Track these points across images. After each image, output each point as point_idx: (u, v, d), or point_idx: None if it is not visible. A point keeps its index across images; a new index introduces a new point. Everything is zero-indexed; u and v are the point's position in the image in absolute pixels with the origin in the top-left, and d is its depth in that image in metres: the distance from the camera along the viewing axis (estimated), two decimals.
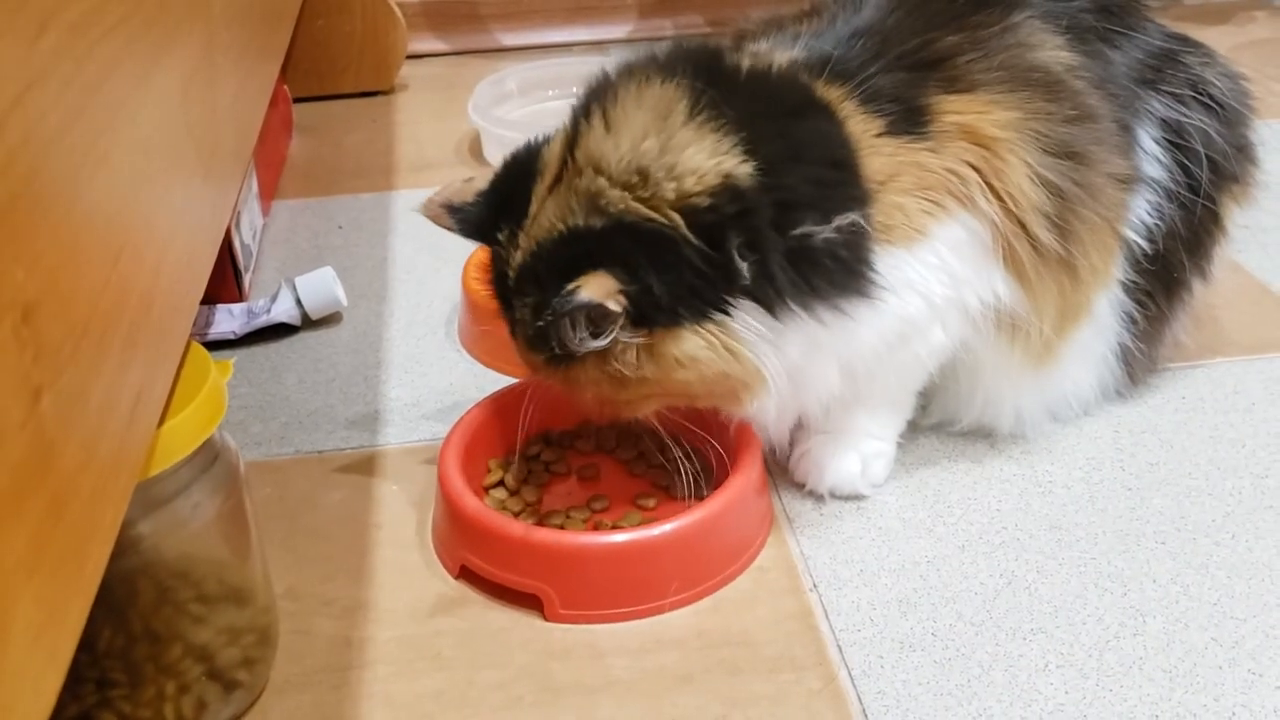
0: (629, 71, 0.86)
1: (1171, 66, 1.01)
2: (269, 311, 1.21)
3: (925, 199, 0.87)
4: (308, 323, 1.23)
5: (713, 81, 0.83)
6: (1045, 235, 0.89)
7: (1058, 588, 0.87)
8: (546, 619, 0.85)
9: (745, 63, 0.88)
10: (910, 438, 1.02)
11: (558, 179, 0.83)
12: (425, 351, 1.19)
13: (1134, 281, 0.99)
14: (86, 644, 0.73)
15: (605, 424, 1.01)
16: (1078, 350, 0.99)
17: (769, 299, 0.81)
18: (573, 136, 0.84)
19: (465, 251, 1.19)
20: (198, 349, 0.75)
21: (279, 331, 1.22)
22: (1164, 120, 0.99)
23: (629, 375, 0.81)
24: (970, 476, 0.99)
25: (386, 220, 1.45)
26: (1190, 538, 0.91)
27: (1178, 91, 1.00)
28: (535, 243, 0.81)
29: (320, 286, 1.21)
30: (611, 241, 0.78)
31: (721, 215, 0.79)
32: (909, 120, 0.88)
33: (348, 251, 1.37)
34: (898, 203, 0.86)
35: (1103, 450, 1.02)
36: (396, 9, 1.81)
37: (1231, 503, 0.95)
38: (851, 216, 0.82)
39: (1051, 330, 0.94)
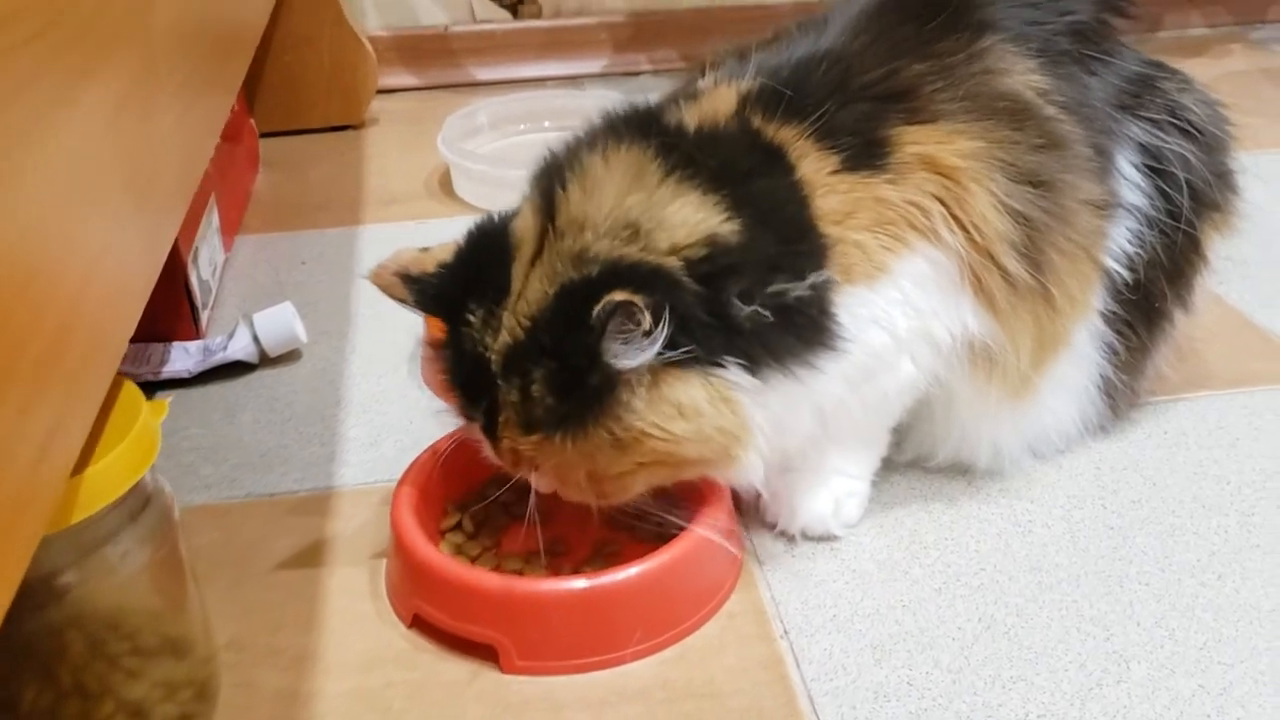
0: (583, 143, 0.85)
1: (1149, 92, 0.99)
2: (225, 349, 1.17)
3: (884, 234, 0.84)
4: (266, 360, 1.19)
5: (668, 142, 0.82)
6: (1014, 265, 0.86)
7: (1038, 632, 0.83)
8: (503, 671, 0.81)
9: (689, 119, 0.85)
10: (884, 475, 0.98)
11: (538, 252, 0.79)
12: (386, 389, 1.15)
13: (1114, 312, 0.96)
14: (8, 704, 0.68)
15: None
16: (1057, 382, 0.96)
17: (754, 355, 0.78)
18: (548, 207, 0.81)
19: None
20: (130, 388, 0.71)
21: (236, 370, 1.18)
22: (1143, 146, 0.96)
23: (629, 432, 0.77)
24: (947, 515, 0.95)
25: (352, 256, 1.41)
26: (1175, 579, 0.88)
27: (1156, 117, 0.97)
28: (528, 318, 0.77)
29: (278, 323, 1.18)
30: (614, 282, 0.74)
31: (717, 266, 0.77)
32: (867, 154, 0.84)
33: (311, 287, 1.34)
34: (856, 240, 0.83)
35: (1084, 487, 0.98)
36: (366, 42, 1.78)
37: (1217, 542, 0.91)
38: (824, 275, 0.81)
39: (1028, 363, 0.90)
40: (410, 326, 1.23)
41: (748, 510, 0.95)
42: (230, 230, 1.43)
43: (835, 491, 0.93)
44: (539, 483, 0.82)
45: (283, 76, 1.75)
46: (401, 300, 0.83)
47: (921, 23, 0.91)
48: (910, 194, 0.84)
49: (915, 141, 0.85)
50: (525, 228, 0.82)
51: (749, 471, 0.82)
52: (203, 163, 0.92)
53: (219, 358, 1.17)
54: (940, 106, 0.86)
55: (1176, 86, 1.00)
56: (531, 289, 0.78)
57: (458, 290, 0.81)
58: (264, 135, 1.71)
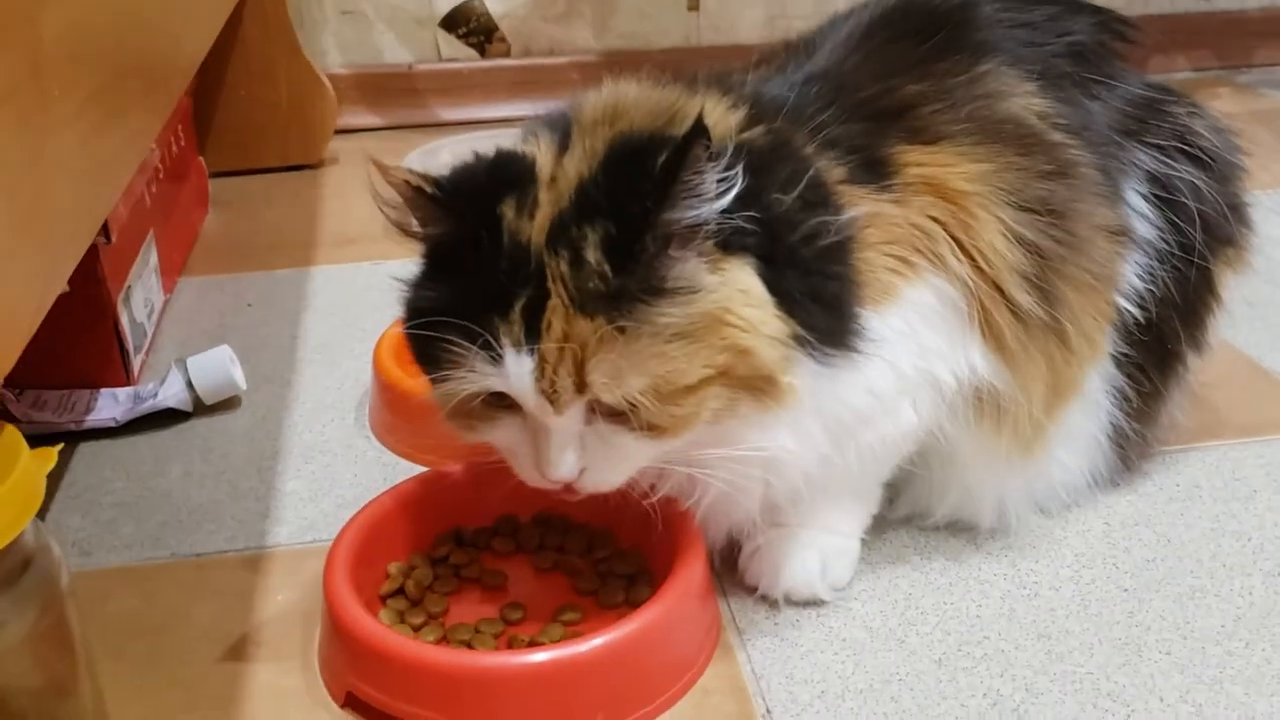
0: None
1: (1156, 117, 0.91)
2: (156, 396, 1.07)
3: (892, 255, 0.77)
4: (201, 408, 1.09)
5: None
6: (1025, 298, 0.79)
7: (1050, 709, 0.74)
8: None
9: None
10: (876, 533, 0.89)
11: (564, 147, 0.71)
12: (330, 439, 1.05)
13: (1125, 354, 0.88)
14: None
15: (530, 520, 0.88)
16: (1067, 433, 0.88)
17: (789, 285, 0.71)
18: (565, 118, 0.74)
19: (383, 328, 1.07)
20: (11, 433, 0.61)
21: (168, 418, 1.08)
22: (1151, 174, 0.89)
23: (703, 310, 0.67)
24: (946, 577, 0.86)
25: (301, 297, 1.32)
26: (1198, 646, 0.79)
27: (1164, 144, 0.90)
28: (572, 188, 0.68)
29: (214, 367, 1.08)
30: (676, 136, 0.67)
31: (754, 157, 0.70)
32: (871, 170, 0.77)
33: (254, 331, 1.24)
34: (864, 258, 0.75)
35: (1093, 545, 0.89)
36: (324, 78, 1.71)
37: (1242, 605, 0.83)
38: (857, 211, 0.74)
39: (1041, 411, 0.82)
40: (360, 374, 1.13)
41: (725, 571, 0.86)
42: (172, 272, 1.34)
43: (823, 550, 0.84)
44: (563, 434, 0.69)
45: (237, 113, 1.66)
46: (418, 192, 0.69)
47: (916, 42, 0.85)
48: (914, 216, 0.77)
49: (918, 163, 0.78)
50: (538, 142, 0.73)
51: (786, 430, 0.73)
52: (112, 192, 0.83)
53: (149, 405, 1.07)
54: (942, 128, 0.80)
55: (1185, 111, 0.93)
56: (567, 169, 0.70)
57: (486, 188, 0.70)
58: (216, 175, 1.63)
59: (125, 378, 1.12)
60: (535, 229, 0.68)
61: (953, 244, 0.78)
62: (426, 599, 0.81)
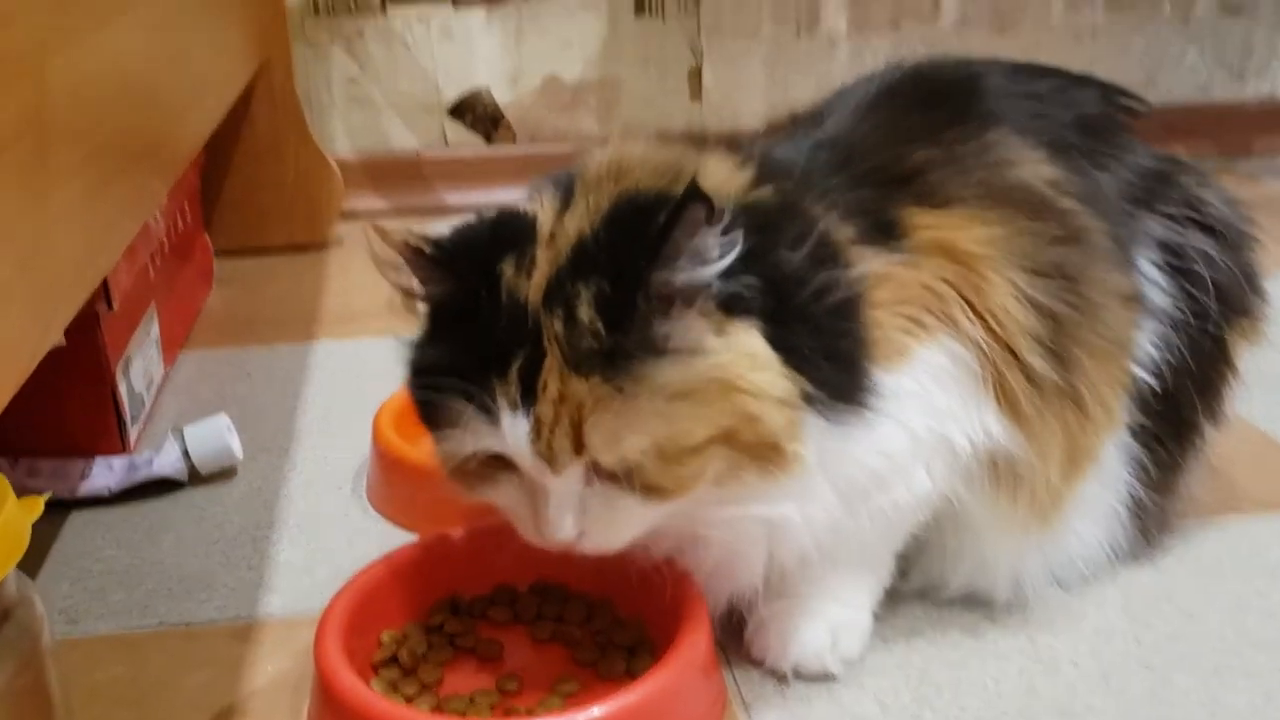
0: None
1: (1165, 186, 0.91)
2: (151, 464, 1.05)
3: (904, 316, 0.75)
4: (196, 478, 1.07)
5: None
6: (1039, 362, 0.77)
7: None
8: None
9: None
10: (890, 605, 0.86)
11: (566, 204, 0.71)
12: (326, 510, 1.03)
13: (1142, 424, 0.86)
14: None
15: (527, 589, 0.85)
16: (1084, 503, 0.85)
17: (799, 347, 0.69)
18: (566, 179, 0.73)
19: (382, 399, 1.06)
20: None
21: (162, 488, 1.06)
22: (1162, 243, 0.88)
23: (707, 373, 0.66)
24: (960, 651, 0.83)
25: (302, 371, 1.31)
26: None
27: (1174, 212, 0.89)
28: (570, 245, 0.68)
29: (211, 437, 1.06)
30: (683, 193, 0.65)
31: (758, 217, 0.70)
32: (881, 232, 0.77)
33: (253, 401, 1.23)
34: (874, 317, 0.74)
35: (1112, 620, 0.86)
36: (331, 159, 1.72)
37: (1272, 683, 0.79)
38: (867, 270, 0.73)
39: (1058, 478, 0.80)
40: (358, 445, 1.11)
41: (729, 642, 0.83)
42: (173, 346, 1.33)
43: (832, 622, 0.81)
44: (562, 495, 0.68)
45: (243, 192, 1.67)
46: (417, 255, 0.69)
47: (925, 110, 0.85)
48: (926, 278, 0.76)
49: (929, 225, 0.77)
50: (541, 201, 0.72)
51: (791, 509, 0.72)
52: (113, 250, 0.83)
53: (143, 474, 1.05)
54: (952, 191, 0.79)
55: (1195, 181, 0.92)
56: (567, 227, 0.69)
57: (485, 247, 0.70)
58: (221, 254, 1.63)
59: (121, 447, 1.10)
60: (532, 287, 0.67)
61: (965, 306, 0.76)
62: (420, 668, 0.78)
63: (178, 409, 1.23)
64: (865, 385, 0.72)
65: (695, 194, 0.63)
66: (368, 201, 1.89)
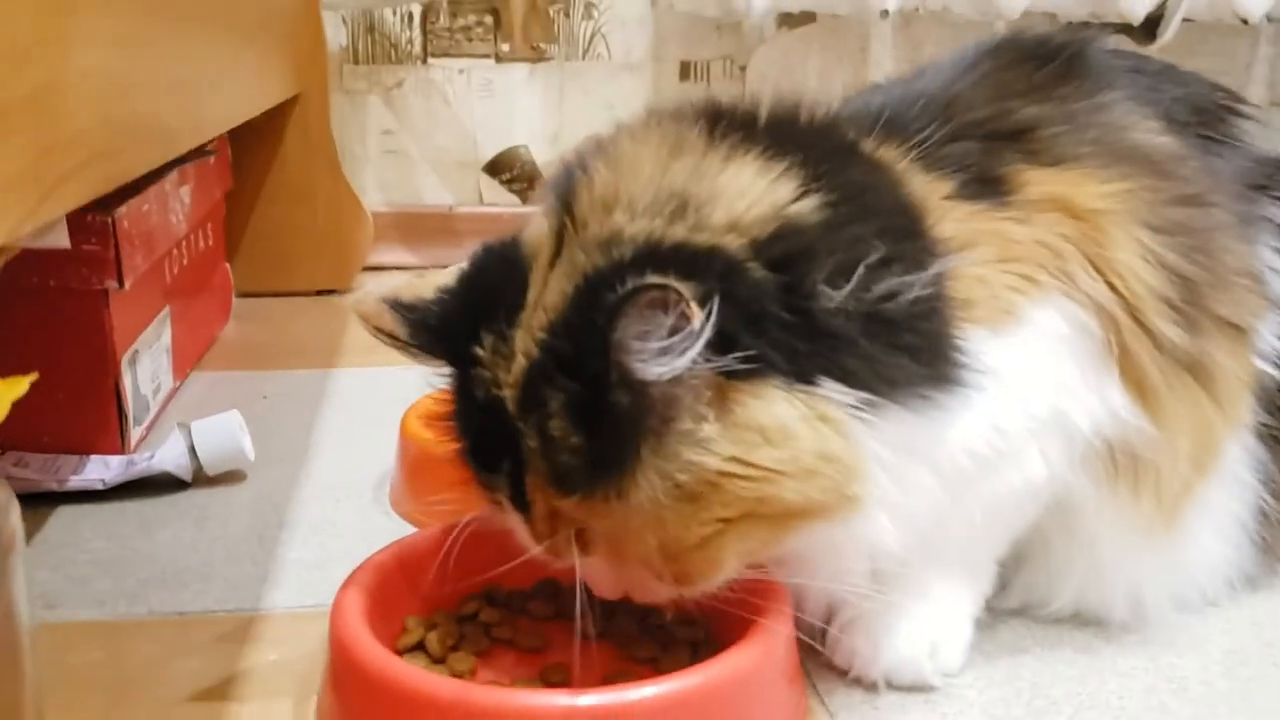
0: (606, 136, 0.67)
1: None
2: (152, 459, 0.95)
3: (1013, 273, 0.66)
4: (201, 479, 0.97)
5: (714, 113, 0.65)
6: (1170, 328, 0.68)
7: None
8: None
9: (764, 110, 0.68)
10: (985, 622, 0.75)
11: (557, 251, 0.61)
12: (343, 514, 0.92)
13: (1265, 424, 0.76)
14: None
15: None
16: (1208, 511, 0.75)
17: (853, 371, 0.59)
18: (565, 200, 0.63)
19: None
20: None
21: (163, 486, 0.96)
22: None
23: (702, 473, 0.56)
24: (1075, 668, 0.72)
25: (321, 395, 1.21)
26: None
27: None
28: (544, 330, 0.58)
29: (221, 434, 0.96)
30: (647, 266, 0.56)
31: (794, 246, 0.59)
32: (985, 188, 0.68)
33: (269, 419, 1.13)
34: (978, 275, 0.65)
35: (1244, 643, 0.75)
36: (363, 202, 1.65)
37: None
38: (948, 263, 0.63)
39: (1188, 467, 0.70)
40: (381, 455, 1.01)
41: (805, 652, 0.71)
42: (186, 363, 1.24)
43: (931, 627, 0.70)
44: (593, 570, 0.61)
45: (269, 231, 1.59)
46: (389, 336, 0.64)
47: (1033, 68, 0.77)
48: (1041, 233, 0.67)
49: (1042, 182, 0.69)
50: (539, 233, 0.64)
51: (875, 527, 0.61)
52: None
53: (142, 468, 0.95)
54: (1065, 150, 0.71)
55: None
56: (550, 295, 0.59)
57: (464, 318, 0.62)
58: (242, 295, 1.55)
59: (120, 446, 1.00)
60: (509, 382, 0.59)
61: (1085, 263, 0.68)
62: (451, 658, 0.67)
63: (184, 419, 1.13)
64: (958, 361, 0.62)
65: (637, 288, 0.53)
66: (397, 255, 1.81)
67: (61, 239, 0.68)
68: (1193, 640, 0.75)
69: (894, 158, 0.68)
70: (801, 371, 0.57)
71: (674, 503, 0.56)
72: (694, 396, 0.56)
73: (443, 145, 1.83)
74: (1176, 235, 0.69)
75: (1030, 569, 0.76)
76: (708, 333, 0.54)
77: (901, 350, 0.59)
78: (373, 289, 0.66)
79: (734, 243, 0.58)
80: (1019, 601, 0.77)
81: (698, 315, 0.54)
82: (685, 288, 0.54)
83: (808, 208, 0.60)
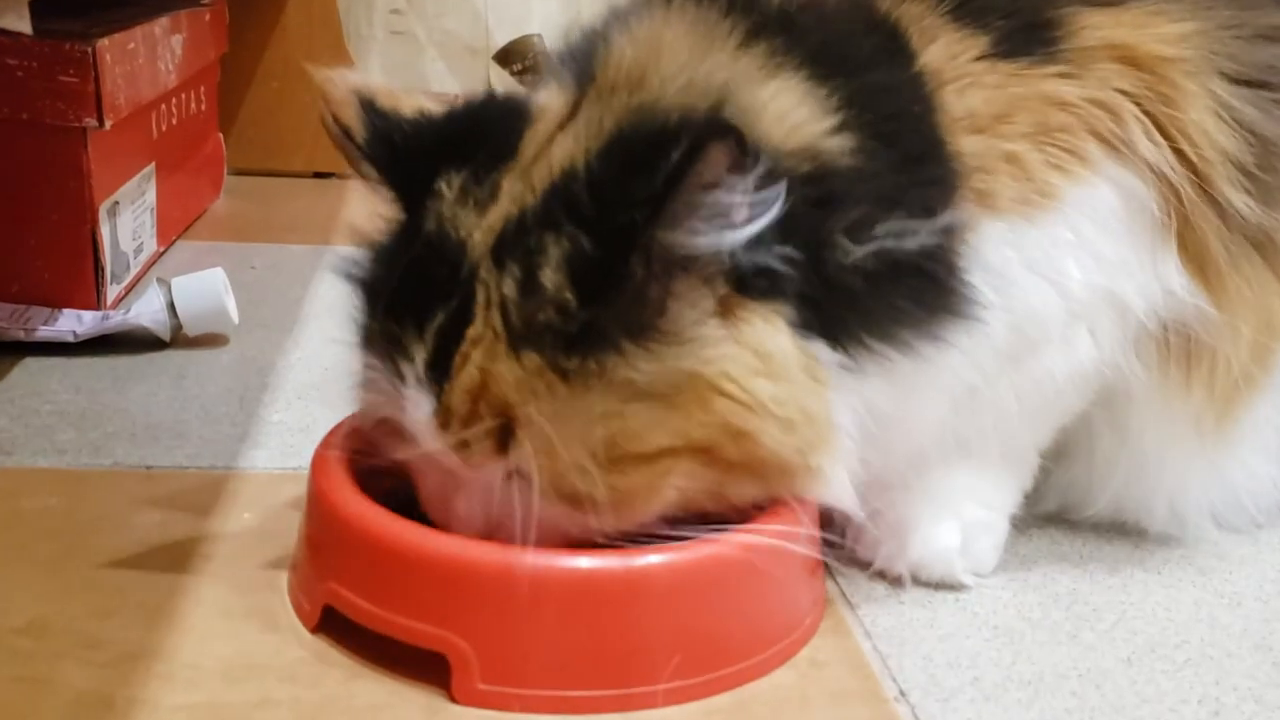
0: (627, 12, 0.59)
1: None
2: (127, 313, 0.89)
3: (1054, 146, 0.60)
4: (181, 339, 0.90)
5: (759, 13, 0.57)
6: (1241, 199, 0.61)
7: None
8: (455, 699, 0.50)
9: None
10: (1018, 530, 0.69)
11: (571, 115, 0.54)
12: (332, 381, 0.86)
13: None
14: None
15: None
16: (1256, 428, 0.69)
17: (843, 325, 0.53)
18: (583, 71, 0.56)
19: None
20: None
21: (140, 345, 0.89)
22: None
23: (691, 371, 0.50)
24: (1117, 576, 0.66)
25: (314, 269, 1.14)
26: None
27: None
28: (549, 180, 0.51)
29: (203, 292, 0.90)
30: (711, 125, 0.48)
31: (822, 190, 0.52)
32: (1029, 37, 0.61)
33: (257, 288, 1.06)
34: (1009, 152, 0.59)
35: None
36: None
37: None
38: (959, 215, 0.56)
39: (1248, 356, 0.64)
40: None
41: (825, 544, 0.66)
42: (171, 229, 1.17)
43: (965, 521, 0.64)
44: (475, 488, 0.52)
45: (266, 107, 1.52)
46: (344, 132, 0.55)
47: None
48: (1093, 90, 0.60)
49: (1100, 26, 0.61)
50: (551, 97, 0.56)
51: (835, 491, 0.55)
52: None
53: (117, 322, 0.88)
54: None
55: None
56: (558, 151, 0.52)
57: (435, 150, 0.54)
58: (236, 172, 1.47)
59: (95, 301, 0.94)
60: (482, 227, 0.51)
61: (1148, 124, 0.60)
62: None
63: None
64: (963, 293, 0.56)
65: (719, 127, 0.46)
66: None
67: (22, 22, 0.60)
68: (1242, 559, 0.69)
69: (917, 14, 0.60)
70: (805, 316, 0.52)
71: (649, 400, 0.49)
72: (708, 292, 0.50)
73: (452, 29, 1.75)
74: (1258, 85, 0.62)
75: (1071, 467, 0.70)
76: (773, 215, 0.49)
77: (901, 294, 0.54)
78: (351, 75, 0.57)
79: (783, 165, 0.51)
80: (1056, 504, 0.71)
81: (771, 192, 0.48)
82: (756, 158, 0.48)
83: (842, 148, 0.53)
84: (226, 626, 0.55)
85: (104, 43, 0.89)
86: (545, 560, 0.50)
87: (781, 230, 0.50)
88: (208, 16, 1.24)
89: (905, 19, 0.60)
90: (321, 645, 0.54)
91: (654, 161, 0.47)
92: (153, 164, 1.08)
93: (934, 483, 0.64)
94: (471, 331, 0.49)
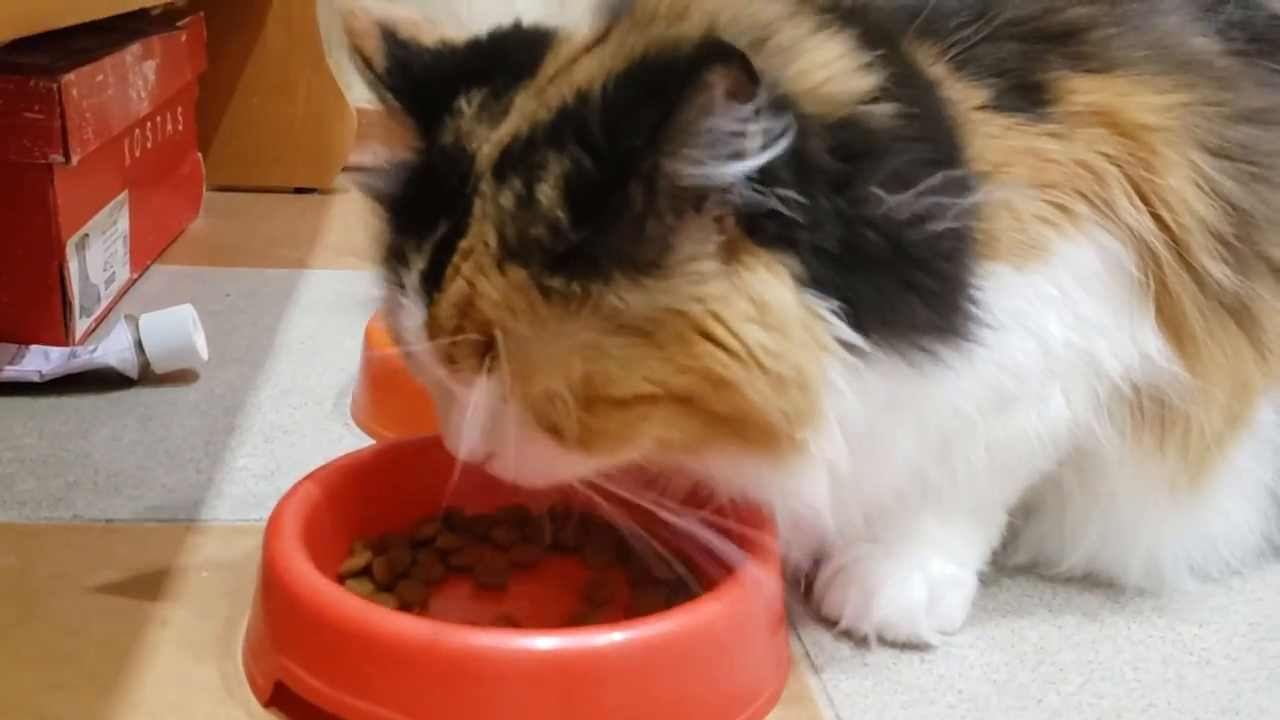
0: None
1: None
2: (94, 352, 0.88)
3: (1045, 200, 0.59)
4: (149, 376, 0.89)
5: None
6: (1217, 268, 0.61)
7: None
8: None
9: None
10: (989, 580, 0.68)
11: (599, 40, 0.54)
12: (300, 422, 0.85)
13: None
14: None
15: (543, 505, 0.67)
16: (1236, 476, 0.68)
17: (864, 299, 0.51)
18: (627, 4, 0.55)
19: None
20: None
21: (107, 383, 0.88)
22: None
23: (684, 311, 0.48)
24: (1085, 633, 0.65)
25: (289, 296, 1.13)
26: None
27: None
28: (562, 98, 0.50)
29: (171, 329, 0.89)
30: (726, 57, 0.46)
31: (857, 143, 0.51)
32: (1022, 96, 0.60)
33: (229, 318, 1.05)
34: (1006, 202, 0.57)
35: (1270, 614, 0.69)
36: (348, 98, 1.56)
37: None
38: (983, 195, 0.55)
39: (1221, 421, 0.63)
40: (346, 364, 0.94)
41: (791, 599, 0.65)
42: (145, 255, 1.16)
43: (931, 578, 0.64)
44: (473, 406, 0.50)
45: (246, 122, 1.51)
46: (366, 63, 0.55)
47: None
48: (1080, 152, 0.59)
49: (1087, 91, 0.60)
50: (580, 32, 0.56)
51: (810, 487, 0.53)
52: None
53: (83, 361, 0.87)
54: (1117, 54, 0.62)
55: None
56: (580, 72, 0.51)
57: (456, 75, 0.54)
58: (215, 190, 1.46)
59: (64, 337, 0.93)
60: (492, 139, 0.51)
61: (1129, 189, 0.60)
62: (401, 586, 0.61)
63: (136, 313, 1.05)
64: (969, 313, 0.55)
65: (719, 51, 0.45)
66: (382, 157, 1.72)
67: None
68: (1215, 610, 0.69)
69: (928, 59, 0.60)
70: (818, 275, 0.50)
71: (630, 335, 0.48)
72: (708, 231, 0.48)
73: None
74: (1237, 159, 0.62)
75: (1042, 523, 0.70)
76: (778, 150, 0.47)
77: (912, 289, 0.52)
78: (373, 6, 0.56)
79: (805, 107, 0.50)
80: (1028, 557, 0.71)
81: (773, 124, 0.46)
82: (765, 95, 0.46)
83: (881, 112, 0.52)
84: (178, 698, 0.54)
85: (70, 77, 0.88)
86: (499, 641, 0.49)
87: (799, 174, 0.49)
88: (184, 38, 1.23)
89: (921, 62, 0.59)
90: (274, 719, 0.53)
91: (662, 88, 0.46)
92: (125, 192, 1.07)
93: (901, 536, 0.64)
94: (464, 243, 0.49)
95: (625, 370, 0.48)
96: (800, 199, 0.49)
